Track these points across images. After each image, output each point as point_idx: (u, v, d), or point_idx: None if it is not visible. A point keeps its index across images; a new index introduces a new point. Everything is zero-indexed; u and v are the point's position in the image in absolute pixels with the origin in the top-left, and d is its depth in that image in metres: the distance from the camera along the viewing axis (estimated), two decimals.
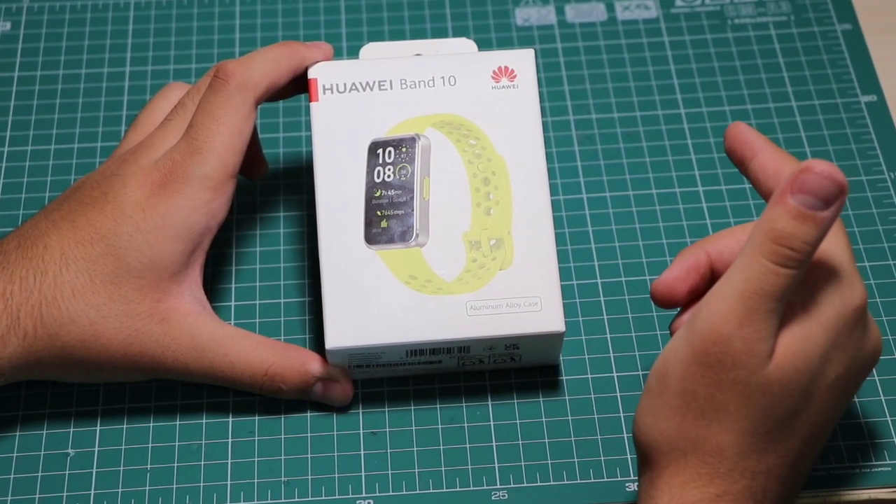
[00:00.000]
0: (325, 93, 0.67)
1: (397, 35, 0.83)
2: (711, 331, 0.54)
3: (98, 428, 0.67)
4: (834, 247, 0.57)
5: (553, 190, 0.74)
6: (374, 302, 0.64)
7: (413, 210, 0.65)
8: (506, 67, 0.68)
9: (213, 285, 0.71)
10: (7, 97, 0.81)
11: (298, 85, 0.68)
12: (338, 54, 0.81)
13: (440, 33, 0.84)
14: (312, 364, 0.65)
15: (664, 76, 0.82)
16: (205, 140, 0.64)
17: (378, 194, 0.66)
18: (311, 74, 0.68)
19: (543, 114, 0.76)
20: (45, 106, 0.80)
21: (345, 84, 0.68)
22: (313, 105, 0.67)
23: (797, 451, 0.56)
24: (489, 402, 0.68)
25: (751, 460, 0.55)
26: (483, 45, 0.83)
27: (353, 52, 0.82)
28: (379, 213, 0.65)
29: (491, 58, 0.69)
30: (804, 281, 0.55)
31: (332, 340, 0.64)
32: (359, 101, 0.67)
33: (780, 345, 0.54)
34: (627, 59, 0.83)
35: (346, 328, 0.64)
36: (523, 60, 0.69)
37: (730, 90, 0.81)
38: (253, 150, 0.71)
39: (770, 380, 0.54)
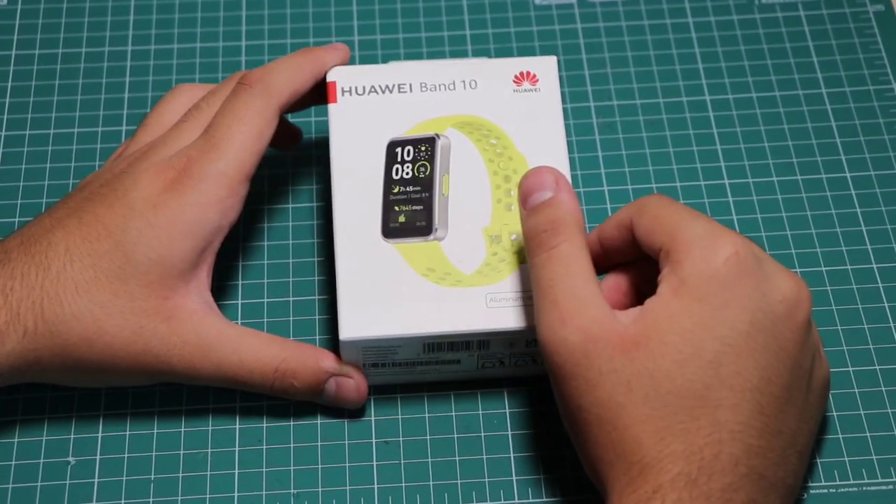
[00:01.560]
0: (343, 94, 0.67)
1: (410, 13, 0.80)
2: (548, 344, 0.56)
3: (100, 434, 0.64)
4: (679, 227, 0.56)
5: (572, 182, 0.71)
6: (390, 293, 0.62)
7: (432, 205, 0.64)
8: (528, 72, 0.68)
9: (219, 282, 0.68)
10: (4, 77, 0.77)
11: (317, 95, 0.68)
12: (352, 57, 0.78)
13: (455, 11, 0.80)
14: (325, 360, 0.63)
15: (689, 60, 0.78)
16: (223, 137, 0.62)
17: (396, 190, 0.65)
18: (329, 77, 0.67)
19: (563, 100, 0.73)
20: (43, 87, 0.77)
21: (364, 87, 0.67)
22: (331, 106, 0.66)
23: (736, 423, 0.53)
24: (506, 410, 0.65)
25: (674, 444, 0.53)
26: (499, 24, 0.79)
27: (366, 47, 0.79)
28: (396, 208, 0.64)
29: (512, 63, 0.68)
30: (670, 268, 0.55)
31: (347, 331, 0.61)
32: (377, 102, 0.67)
33: (644, 329, 0.54)
34: (650, 41, 0.79)
35: (361, 319, 0.62)
36: (545, 67, 0.68)
37: (756, 75, 0.78)
38: (282, 122, 0.70)
39: (640, 359, 0.54)
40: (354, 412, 0.64)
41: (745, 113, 0.76)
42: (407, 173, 0.65)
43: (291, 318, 0.68)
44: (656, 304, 0.55)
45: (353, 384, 0.63)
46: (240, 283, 0.69)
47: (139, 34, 0.79)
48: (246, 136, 0.63)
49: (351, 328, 0.62)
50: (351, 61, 0.69)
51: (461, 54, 0.78)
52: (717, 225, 0.57)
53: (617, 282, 0.61)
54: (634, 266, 0.61)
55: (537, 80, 0.67)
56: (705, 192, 0.72)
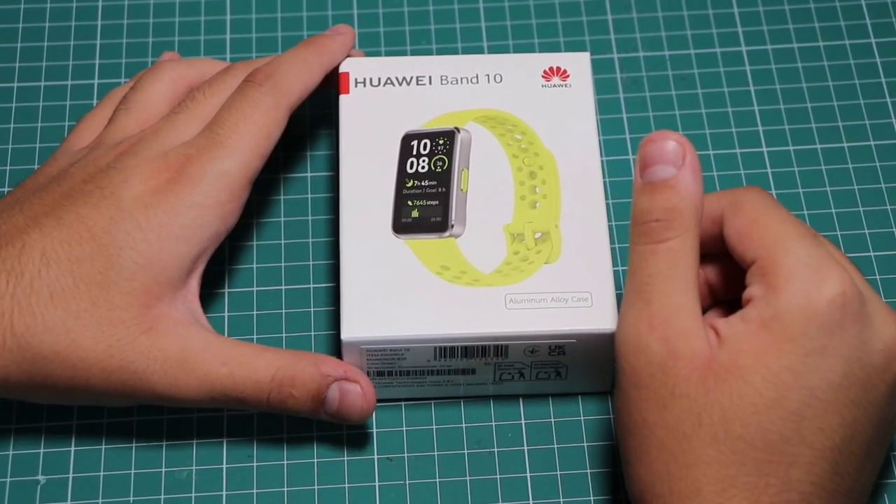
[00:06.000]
0: (356, 86, 0.62)
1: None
2: (627, 344, 0.50)
3: (73, 449, 0.58)
4: (782, 245, 0.50)
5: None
6: (399, 291, 0.57)
7: (449, 200, 0.59)
8: (558, 68, 0.63)
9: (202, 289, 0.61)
10: None
11: (323, 83, 0.62)
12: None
13: None
14: (327, 364, 0.57)
15: (723, 2, 0.71)
16: (229, 135, 0.57)
17: (410, 184, 0.60)
18: (342, 69, 0.63)
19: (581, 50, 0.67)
20: (4, 32, 0.70)
21: (379, 78, 0.62)
22: (343, 98, 0.62)
23: (809, 484, 0.48)
24: (522, 422, 0.59)
25: (738, 498, 0.48)
26: None
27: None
28: (410, 202, 0.59)
29: (542, 58, 0.63)
30: (763, 292, 0.49)
31: (349, 331, 0.56)
32: (393, 94, 0.62)
33: (726, 359, 0.49)
34: None
35: (365, 319, 0.56)
36: (578, 63, 0.63)
37: (798, 22, 0.70)
38: None
39: (715, 393, 0.48)
40: (363, 420, 0.58)
41: (786, 66, 0.68)
42: (423, 167, 0.60)
43: (284, 335, 0.62)
44: (741, 333, 0.49)
45: (359, 391, 0.57)
46: (226, 290, 0.62)
47: None
48: (254, 137, 0.58)
49: (354, 328, 0.56)
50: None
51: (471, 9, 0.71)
52: (825, 249, 0.50)
53: None
54: (711, 260, 0.55)
55: (568, 76, 0.62)
56: (741, 162, 0.65)
